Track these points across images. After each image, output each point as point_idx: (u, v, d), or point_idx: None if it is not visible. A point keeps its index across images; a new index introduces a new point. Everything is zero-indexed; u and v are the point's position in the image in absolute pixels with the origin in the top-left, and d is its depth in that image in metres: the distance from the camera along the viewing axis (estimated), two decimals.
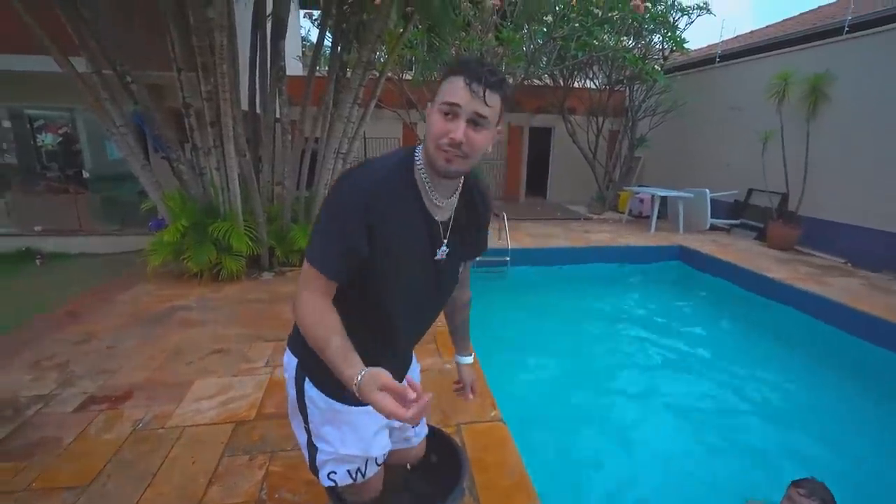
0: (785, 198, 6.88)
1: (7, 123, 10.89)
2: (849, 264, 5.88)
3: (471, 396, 1.44)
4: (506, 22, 7.28)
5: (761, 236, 7.14)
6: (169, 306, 3.89)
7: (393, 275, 1.00)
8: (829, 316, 4.38)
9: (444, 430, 1.57)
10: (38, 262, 5.78)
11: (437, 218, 1.03)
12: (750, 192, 7.74)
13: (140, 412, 2.38)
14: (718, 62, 8.53)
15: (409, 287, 1.05)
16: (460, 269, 1.19)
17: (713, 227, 7.73)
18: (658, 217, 7.79)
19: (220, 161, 4.44)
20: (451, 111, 0.90)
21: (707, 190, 7.53)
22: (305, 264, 0.97)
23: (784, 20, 9.19)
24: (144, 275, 4.54)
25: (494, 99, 0.90)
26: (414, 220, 1.00)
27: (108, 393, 2.55)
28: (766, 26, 9.55)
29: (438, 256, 1.06)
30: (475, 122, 0.90)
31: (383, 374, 0.80)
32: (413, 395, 0.76)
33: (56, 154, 10.65)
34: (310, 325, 0.93)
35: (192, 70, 4.37)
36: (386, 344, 1.11)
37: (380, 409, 0.77)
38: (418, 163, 1.00)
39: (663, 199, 7.85)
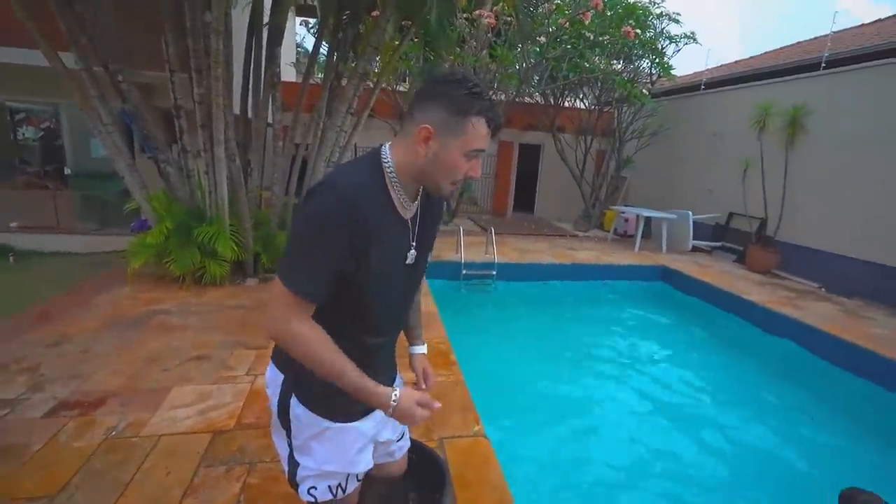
0: (763, 223, 7.09)
1: None
2: (823, 289, 6.06)
3: (424, 386, 1.29)
4: (500, 40, 7.43)
5: (741, 259, 7.32)
6: (148, 310, 3.80)
7: (372, 281, 0.99)
8: (805, 340, 4.50)
9: (425, 444, 1.55)
10: (10, 259, 5.59)
11: (406, 217, 1.04)
12: (731, 215, 7.95)
13: (113, 419, 2.30)
14: (703, 89, 8.81)
15: (386, 290, 1.05)
16: (425, 264, 1.18)
17: (695, 249, 7.92)
18: (642, 237, 7.94)
19: (210, 164, 4.39)
20: (477, 155, 0.97)
21: (690, 212, 7.71)
22: (284, 289, 0.90)
23: (766, 53, 9.56)
24: (123, 277, 4.43)
25: None
26: (390, 226, 0.99)
27: (81, 398, 2.47)
28: (750, 57, 9.92)
29: (409, 261, 1.07)
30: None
31: (414, 391, 1.01)
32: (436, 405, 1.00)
33: (37, 149, 10.38)
34: (315, 358, 0.93)
35: (185, 72, 4.34)
36: (371, 347, 1.10)
37: (418, 420, 0.99)
38: (388, 168, 0.98)
39: (648, 219, 8.01)
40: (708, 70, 9.35)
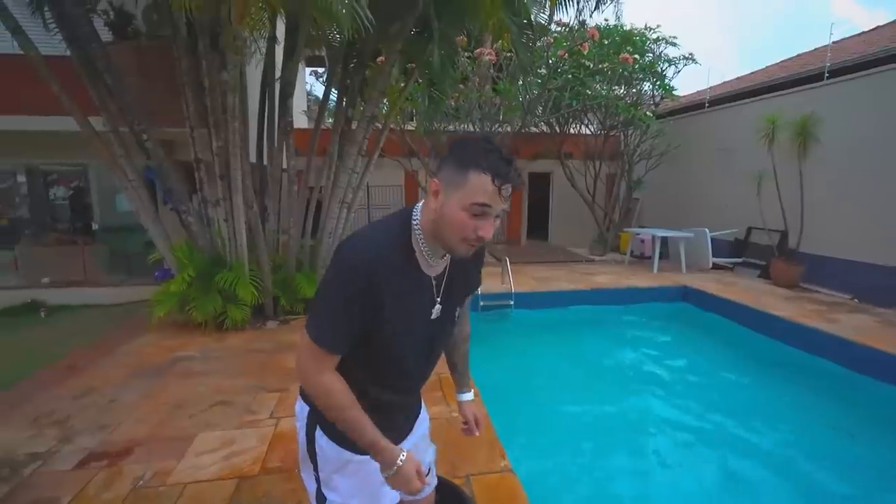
0: (784, 235, 6.94)
1: (22, 178, 11.24)
2: (856, 300, 5.84)
3: (477, 433, 1.39)
4: (502, 74, 7.66)
5: (765, 274, 7.14)
6: (171, 357, 3.86)
7: (395, 336, 1.02)
8: (839, 354, 4.31)
9: (453, 481, 1.52)
10: (42, 314, 5.79)
11: (430, 274, 1.05)
12: (749, 230, 7.82)
13: (140, 468, 2.31)
14: (708, 107, 8.87)
15: (407, 344, 1.07)
16: (457, 313, 1.19)
17: (716, 266, 7.76)
18: (660, 257, 7.83)
19: (229, 212, 4.55)
20: (482, 212, 0.91)
21: (707, 229, 7.61)
22: (311, 342, 0.95)
23: (768, 66, 9.64)
24: (147, 325, 4.53)
25: (511, 190, 0.94)
26: (411, 286, 1.02)
27: (108, 448, 2.49)
28: (752, 72, 10.01)
29: (434, 316, 1.08)
30: (498, 216, 0.95)
31: (418, 461, 1.04)
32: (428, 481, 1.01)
33: (67, 207, 10.89)
34: (336, 409, 0.98)
35: (203, 127, 4.58)
36: (385, 403, 1.12)
37: (414, 490, 1.02)
38: (416, 229, 1.00)
39: (664, 239, 7.92)
40: (711, 88, 9.44)
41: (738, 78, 10.13)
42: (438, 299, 1.08)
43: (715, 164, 8.54)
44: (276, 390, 3.20)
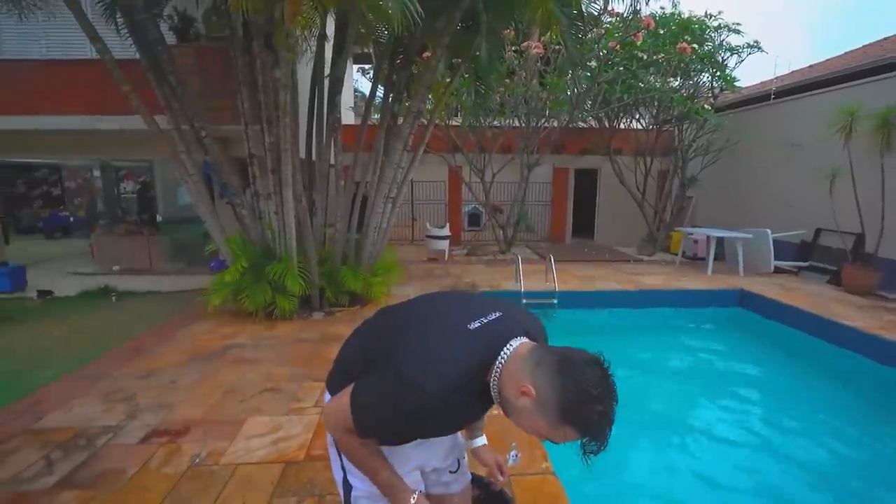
0: (861, 238, 6.36)
1: (97, 173, 12.24)
2: None
3: (503, 479, 1.32)
4: (549, 68, 7.48)
5: (835, 280, 6.58)
6: (225, 344, 4.07)
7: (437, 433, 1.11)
8: None
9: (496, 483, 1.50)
10: (113, 299, 6.27)
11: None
12: (818, 232, 7.23)
13: (196, 447, 2.45)
14: (774, 98, 8.26)
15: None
16: None
17: (777, 270, 7.23)
18: (714, 259, 7.40)
19: (279, 205, 4.72)
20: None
21: (768, 230, 7.11)
22: (352, 425, 0.96)
23: (844, 53, 8.84)
24: (204, 313, 4.80)
25: None
26: (466, 405, 1.02)
27: (169, 427, 2.66)
28: (826, 60, 9.21)
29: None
30: None
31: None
32: None
33: (134, 200, 11.78)
34: (358, 459, 1.05)
35: (257, 123, 4.77)
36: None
37: None
38: (498, 367, 0.95)
39: (720, 239, 7.48)
40: (777, 78, 8.79)
41: (809, 66, 9.36)
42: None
43: (780, 161, 7.95)
44: (321, 380, 3.25)
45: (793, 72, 9.53)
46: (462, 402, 0.97)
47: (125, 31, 4.74)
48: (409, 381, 0.91)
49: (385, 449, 1.09)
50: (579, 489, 2.16)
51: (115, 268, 7.17)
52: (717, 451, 3.16)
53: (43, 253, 9.38)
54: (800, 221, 7.43)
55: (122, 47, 4.81)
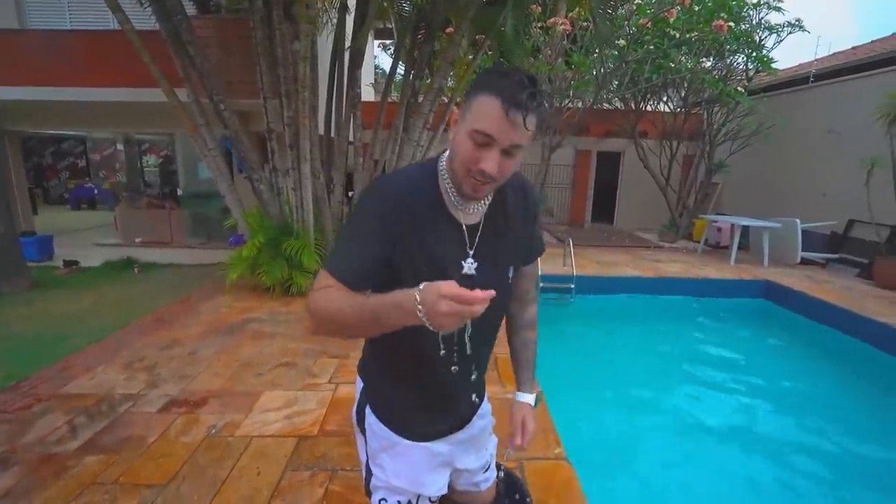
0: None
1: (121, 146, 12.41)
2: None
3: (519, 441, 1.18)
4: (575, 46, 7.21)
5: (866, 273, 6.33)
6: (243, 318, 4.12)
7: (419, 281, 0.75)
8: None
9: (510, 469, 1.48)
10: (136, 270, 6.40)
11: (462, 221, 0.94)
12: (851, 223, 6.94)
13: (213, 418, 2.49)
14: (813, 81, 7.85)
15: None
16: (509, 279, 1.04)
17: (805, 261, 6.99)
18: (738, 248, 7.18)
19: (297, 181, 4.71)
20: (485, 141, 0.80)
21: (797, 220, 6.84)
22: (323, 269, 0.89)
23: (892, 35, 8.30)
24: (223, 287, 4.86)
25: (532, 122, 0.79)
26: (436, 226, 0.92)
27: (187, 397, 2.72)
28: (872, 41, 8.67)
29: (466, 270, 0.95)
30: (509, 151, 0.82)
31: (442, 284, 0.67)
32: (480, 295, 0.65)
33: (157, 174, 11.93)
34: (339, 309, 0.80)
35: (276, 97, 4.73)
36: (430, 384, 1.05)
37: (446, 325, 0.67)
38: (442, 172, 0.93)
39: (745, 228, 7.23)
40: (817, 60, 8.33)
41: (853, 48, 8.84)
42: (471, 252, 0.95)
43: (816, 148, 7.60)
44: (336, 356, 3.31)
45: (835, 53, 9.01)
46: (427, 202, 0.92)
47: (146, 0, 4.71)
48: (368, 188, 0.94)
49: (411, 443, 1.06)
50: (590, 476, 2.14)
51: (138, 240, 7.31)
52: (731, 447, 3.10)
53: (69, 224, 9.64)
54: (831, 212, 7.13)
55: (142, 17, 4.78)
